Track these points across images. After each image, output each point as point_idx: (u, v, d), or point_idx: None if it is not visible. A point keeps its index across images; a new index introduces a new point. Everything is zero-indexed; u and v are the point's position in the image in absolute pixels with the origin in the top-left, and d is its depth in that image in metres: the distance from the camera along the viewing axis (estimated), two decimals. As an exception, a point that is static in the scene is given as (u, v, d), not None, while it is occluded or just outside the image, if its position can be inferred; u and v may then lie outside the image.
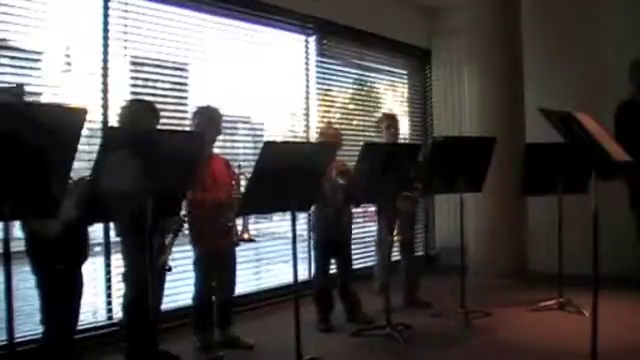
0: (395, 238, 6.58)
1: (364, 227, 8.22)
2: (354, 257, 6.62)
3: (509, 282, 7.55)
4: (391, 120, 6.83)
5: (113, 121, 5.56)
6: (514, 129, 7.86)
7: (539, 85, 8.22)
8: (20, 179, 2.88)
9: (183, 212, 4.80)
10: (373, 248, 6.96)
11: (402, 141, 9.49)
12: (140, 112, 4.81)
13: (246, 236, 5.04)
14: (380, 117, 7.23)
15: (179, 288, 5.77)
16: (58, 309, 4.40)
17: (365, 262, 8.29)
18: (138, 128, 4.54)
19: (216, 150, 5.60)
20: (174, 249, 4.82)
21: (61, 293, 4.40)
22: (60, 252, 4.31)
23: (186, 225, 4.94)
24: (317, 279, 6.19)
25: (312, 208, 5.73)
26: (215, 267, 5.27)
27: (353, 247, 6.49)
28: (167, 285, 5.13)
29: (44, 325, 4.39)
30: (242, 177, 5.11)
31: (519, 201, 7.72)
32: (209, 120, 5.28)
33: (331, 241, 6.08)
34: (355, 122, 8.86)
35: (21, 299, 4.47)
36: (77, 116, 3.07)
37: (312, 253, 6.36)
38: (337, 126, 7.51)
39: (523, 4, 8.21)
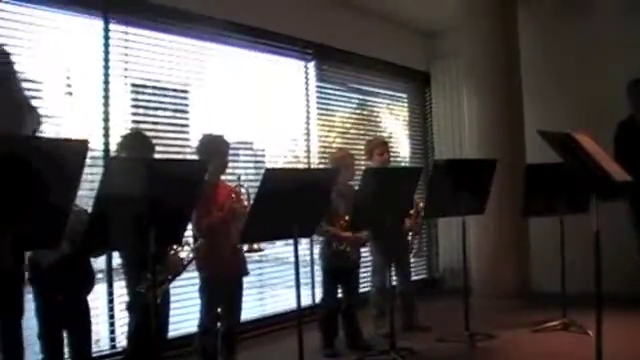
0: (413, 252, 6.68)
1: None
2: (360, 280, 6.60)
3: (512, 303, 7.52)
4: (384, 146, 6.77)
5: (114, 148, 5.58)
6: (514, 150, 7.87)
7: (539, 105, 8.26)
8: (22, 212, 2.89)
9: (190, 247, 4.84)
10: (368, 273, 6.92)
11: (403, 164, 9.59)
12: (135, 144, 4.85)
13: (255, 246, 5.03)
14: (372, 142, 7.00)
15: (185, 315, 5.77)
16: (54, 338, 4.44)
17: (368, 285, 8.29)
18: (138, 157, 4.57)
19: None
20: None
21: (58, 323, 4.45)
22: (59, 283, 4.35)
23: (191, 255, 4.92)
24: (325, 305, 6.13)
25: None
26: (221, 294, 5.24)
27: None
28: (173, 312, 5.14)
29: (43, 354, 4.43)
30: (242, 190, 5.11)
31: (521, 222, 7.71)
32: (214, 150, 5.29)
33: (340, 267, 6.03)
34: (356, 146, 8.87)
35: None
36: (79, 148, 3.08)
37: (321, 279, 6.31)
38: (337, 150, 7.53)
39: (521, 25, 8.26)
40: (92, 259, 4.74)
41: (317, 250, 6.21)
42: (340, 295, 6.23)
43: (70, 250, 4.16)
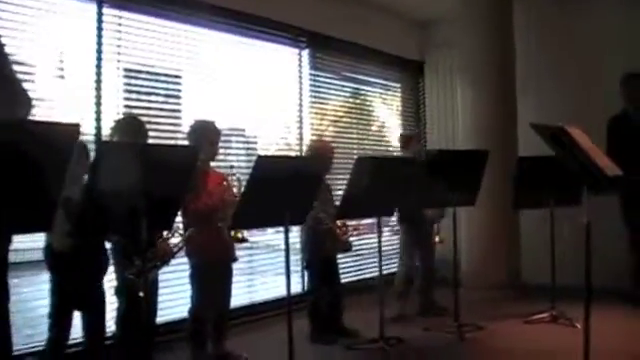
0: (437, 239, 6.82)
1: (359, 240, 8.24)
2: (349, 269, 6.62)
3: (502, 294, 7.55)
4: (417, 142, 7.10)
5: (106, 133, 5.56)
6: (507, 142, 7.89)
7: (533, 98, 8.27)
8: (10, 195, 2.87)
9: (180, 234, 4.84)
10: (374, 259, 6.98)
11: (395, 154, 9.58)
12: (129, 130, 4.85)
13: (240, 236, 5.03)
14: (406, 136, 7.50)
15: (174, 301, 5.78)
16: (62, 319, 4.57)
17: (360, 275, 8.34)
18: (130, 142, 4.56)
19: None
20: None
21: (70, 304, 4.60)
22: (73, 266, 4.47)
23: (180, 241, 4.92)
24: (313, 293, 6.19)
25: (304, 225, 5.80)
26: (211, 280, 5.24)
27: (348, 260, 6.50)
28: (162, 298, 5.16)
29: (49, 332, 4.54)
30: (234, 178, 5.10)
31: (512, 214, 7.73)
32: (205, 137, 5.27)
33: (324, 257, 6.10)
34: (348, 135, 8.89)
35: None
36: (70, 132, 3.07)
37: (305, 269, 6.35)
38: (329, 139, 7.55)
39: (516, 16, 8.27)
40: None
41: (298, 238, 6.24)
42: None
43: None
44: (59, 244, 4.46)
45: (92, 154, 4.72)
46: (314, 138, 7.78)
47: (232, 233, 4.91)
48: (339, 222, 5.92)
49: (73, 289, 4.52)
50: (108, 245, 4.79)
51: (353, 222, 6.25)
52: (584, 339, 4.06)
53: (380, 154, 9.25)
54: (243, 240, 5.04)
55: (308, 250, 6.14)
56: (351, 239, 6.20)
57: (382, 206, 5.64)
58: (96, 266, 4.71)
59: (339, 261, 6.51)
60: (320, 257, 6.08)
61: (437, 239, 6.87)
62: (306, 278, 6.58)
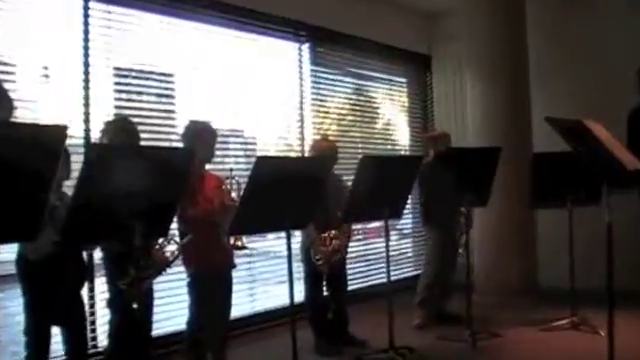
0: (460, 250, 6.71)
1: (366, 244, 8.24)
2: (356, 275, 6.58)
3: (518, 300, 7.51)
4: (445, 139, 7.00)
5: (95, 136, 5.53)
6: (520, 138, 7.84)
7: (547, 91, 8.24)
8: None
9: (177, 242, 4.81)
10: (379, 265, 6.98)
11: (402, 152, 9.58)
12: (119, 131, 4.81)
13: (239, 243, 4.99)
14: (434, 135, 7.47)
15: (171, 312, 5.76)
16: (41, 335, 4.44)
17: (367, 281, 8.30)
18: (121, 144, 4.53)
19: (207, 165, 5.55)
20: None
21: (48, 319, 4.46)
22: (50, 277, 4.35)
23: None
24: (312, 302, 6.15)
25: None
26: (210, 289, 5.19)
27: (355, 265, 6.46)
28: (158, 309, 5.13)
29: (26, 350, 4.41)
30: (233, 182, 5.07)
31: (527, 214, 7.70)
32: (201, 138, 5.23)
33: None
34: (352, 134, 8.86)
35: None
36: (57, 135, 3.03)
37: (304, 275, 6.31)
38: (333, 138, 7.52)
39: (528, 5, 8.22)
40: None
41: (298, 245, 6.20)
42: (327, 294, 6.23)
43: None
44: (35, 254, 4.30)
45: (80, 157, 4.68)
46: (317, 137, 7.74)
47: (232, 240, 4.90)
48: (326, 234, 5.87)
49: (51, 303, 4.40)
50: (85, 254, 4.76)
51: (359, 226, 6.23)
52: (608, 347, 4.02)
53: (386, 153, 9.23)
54: (242, 248, 5.02)
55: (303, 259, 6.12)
56: (353, 244, 6.16)
57: (389, 208, 5.60)
58: (75, 277, 4.64)
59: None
60: (313, 267, 6.04)
61: (460, 250, 6.77)
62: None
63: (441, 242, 6.82)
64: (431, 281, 6.86)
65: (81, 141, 5.66)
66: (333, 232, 5.79)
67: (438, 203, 6.46)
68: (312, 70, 8.25)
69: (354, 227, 6.32)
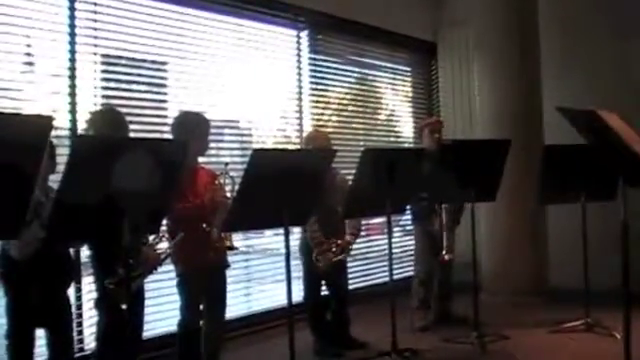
0: (446, 257, 6.57)
1: (367, 241, 8.23)
2: (356, 274, 6.57)
3: (528, 300, 7.52)
4: (437, 125, 7.04)
5: (82, 127, 5.52)
6: (531, 130, 7.84)
7: (557, 80, 8.22)
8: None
9: (168, 240, 4.80)
10: (385, 263, 6.96)
11: (406, 145, 9.56)
12: (106, 122, 4.79)
13: (228, 243, 4.98)
14: (426, 122, 7.46)
15: (163, 313, 5.75)
16: (24, 339, 4.44)
17: (369, 280, 8.30)
18: (110, 136, 4.51)
19: (200, 159, 5.53)
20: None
21: (31, 321, 4.45)
22: (35, 277, 4.33)
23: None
24: (311, 302, 6.16)
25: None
26: (202, 288, 5.18)
27: (356, 263, 6.45)
28: (149, 310, 5.11)
29: (8, 354, 4.41)
30: (227, 177, 5.04)
31: (538, 210, 7.69)
32: (193, 130, 5.20)
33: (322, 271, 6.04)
34: (353, 125, 8.84)
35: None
36: (42, 126, 3.02)
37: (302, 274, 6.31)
38: (333, 130, 7.50)
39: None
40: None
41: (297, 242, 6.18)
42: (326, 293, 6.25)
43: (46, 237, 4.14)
44: (20, 253, 4.30)
45: (66, 150, 4.67)
46: (311, 129, 7.71)
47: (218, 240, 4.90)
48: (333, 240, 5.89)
49: (34, 304, 4.39)
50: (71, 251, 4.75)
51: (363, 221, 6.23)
52: (625, 350, 4.01)
53: (389, 145, 9.22)
54: (230, 248, 5.00)
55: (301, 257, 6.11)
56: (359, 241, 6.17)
57: (392, 203, 5.59)
58: (61, 276, 4.61)
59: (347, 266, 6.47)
60: (310, 266, 6.03)
61: (444, 252, 6.65)
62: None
63: (424, 240, 6.86)
64: (423, 279, 6.86)
65: (67, 132, 5.66)
66: (339, 241, 5.88)
67: (435, 198, 6.44)
68: (311, 58, 8.23)
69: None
